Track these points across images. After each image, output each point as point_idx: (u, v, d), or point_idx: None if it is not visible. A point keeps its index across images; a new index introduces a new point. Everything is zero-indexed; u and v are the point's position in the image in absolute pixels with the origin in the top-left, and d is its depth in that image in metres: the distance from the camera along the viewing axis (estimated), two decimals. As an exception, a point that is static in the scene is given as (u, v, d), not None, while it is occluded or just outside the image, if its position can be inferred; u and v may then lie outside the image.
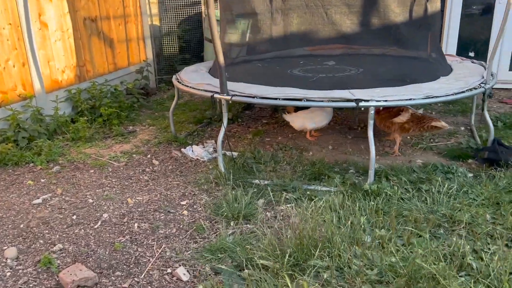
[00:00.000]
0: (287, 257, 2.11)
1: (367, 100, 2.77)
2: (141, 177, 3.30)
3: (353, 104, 2.77)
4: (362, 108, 2.88)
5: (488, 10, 5.35)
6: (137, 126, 4.55)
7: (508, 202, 2.62)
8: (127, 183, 3.20)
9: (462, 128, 4.11)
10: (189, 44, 6.58)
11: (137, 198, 2.96)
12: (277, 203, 2.79)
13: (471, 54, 5.50)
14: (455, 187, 2.76)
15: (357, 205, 2.61)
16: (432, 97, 2.84)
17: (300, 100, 2.86)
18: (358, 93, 2.88)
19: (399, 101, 2.79)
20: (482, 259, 2.10)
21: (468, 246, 2.18)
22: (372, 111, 2.80)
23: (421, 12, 3.50)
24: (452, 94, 2.91)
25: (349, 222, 2.40)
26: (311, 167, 3.27)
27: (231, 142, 3.97)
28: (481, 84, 3.09)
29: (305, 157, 3.55)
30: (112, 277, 2.16)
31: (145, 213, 2.75)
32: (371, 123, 2.82)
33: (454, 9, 5.33)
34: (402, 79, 3.26)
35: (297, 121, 3.65)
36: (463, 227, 2.42)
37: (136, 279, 2.15)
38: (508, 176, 2.90)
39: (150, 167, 3.47)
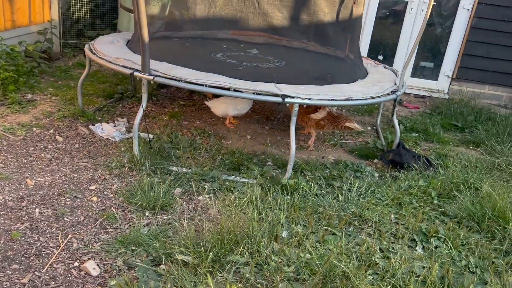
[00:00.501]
0: (207, 253, 2.06)
1: (293, 97, 2.80)
2: (42, 154, 2.97)
3: (279, 99, 2.78)
4: (287, 104, 2.90)
5: (398, 17, 5.74)
6: (38, 94, 4.08)
7: (408, 203, 2.86)
8: (25, 160, 2.86)
9: (369, 128, 4.39)
10: (100, 9, 6.05)
11: (38, 179, 2.66)
12: (196, 193, 2.72)
13: (380, 57, 5.88)
14: (364, 186, 2.93)
15: (276, 200, 2.64)
16: (352, 100, 2.97)
17: (227, 89, 2.79)
18: (284, 89, 2.89)
19: (322, 100, 2.87)
20: (387, 258, 2.27)
21: (376, 246, 2.34)
22: (296, 108, 2.83)
23: (347, 14, 3.62)
24: (369, 98, 3.06)
25: (269, 218, 2.42)
26: (231, 156, 3.24)
27: (146, 122, 3.76)
28: (394, 91, 3.30)
29: (224, 145, 3.50)
30: (8, 271, 1.92)
31: (48, 197, 2.48)
32: (294, 119, 2.86)
33: (370, 13, 5.62)
34: (324, 78, 3.35)
35: (219, 107, 3.57)
36: (370, 226, 2.59)
37: (37, 273, 1.93)
38: (409, 178, 3.17)
39: (53, 144, 3.14)
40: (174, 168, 2.94)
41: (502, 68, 5.65)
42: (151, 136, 3.37)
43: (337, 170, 3.21)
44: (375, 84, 3.39)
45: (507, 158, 3.63)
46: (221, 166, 3.10)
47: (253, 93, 2.80)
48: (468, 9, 5.51)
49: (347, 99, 2.95)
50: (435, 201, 2.94)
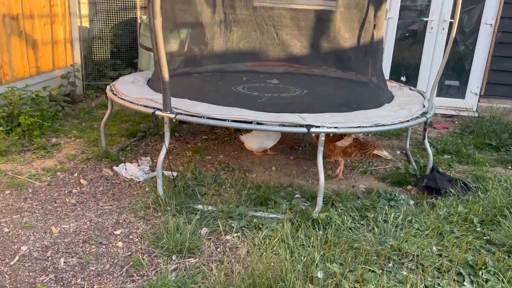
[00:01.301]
0: (239, 300, 1.93)
1: (318, 126, 2.70)
2: (67, 200, 2.93)
3: (304, 129, 2.68)
4: (313, 134, 2.80)
5: (419, 38, 5.64)
6: (62, 138, 4.11)
7: (449, 232, 2.67)
8: (50, 207, 2.82)
9: (398, 152, 4.23)
10: (120, 49, 6.17)
11: (63, 226, 2.61)
12: (223, 233, 2.61)
13: (403, 78, 5.75)
14: (400, 216, 2.77)
15: (308, 236, 2.51)
16: (380, 125, 2.84)
17: (250, 123, 2.71)
18: (308, 118, 2.80)
19: (349, 128, 2.76)
20: (434, 297, 2.09)
21: (420, 283, 2.16)
22: (322, 138, 2.73)
23: (368, 38, 3.55)
24: (399, 123, 2.93)
25: (302, 257, 2.28)
26: (257, 190, 3.13)
27: (169, 159, 3.71)
28: (423, 114, 3.16)
29: (249, 179, 3.40)
30: (33, 329, 1.83)
31: (73, 245, 2.42)
32: (321, 149, 2.75)
33: (389, 34, 5.54)
34: (349, 104, 3.25)
35: (255, 141, 3.51)
36: (411, 260, 2.41)
37: (62, 330, 1.84)
38: (448, 205, 2.98)
39: (78, 188, 3.11)
40: (200, 206, 2.85)
41: (532, 81, 5.43)
42: (175, 174, 3.30)
43: (370, 200, 3.06)
44: (402, 107, 3.26)
45: (551, 177, 3.40)
46: (247, 201, 3.00)
47: (278, 125, 2.72)
48: (491, 24, 5.37)
49: (375, 125, 2.83)
50: (478, 229, 2.74)
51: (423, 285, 2.17)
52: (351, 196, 3.10)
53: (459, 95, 5.72)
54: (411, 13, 5.68)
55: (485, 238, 2.65)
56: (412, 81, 5.74)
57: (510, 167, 3.88)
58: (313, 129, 2.69)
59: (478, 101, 5.65)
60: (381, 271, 2.27)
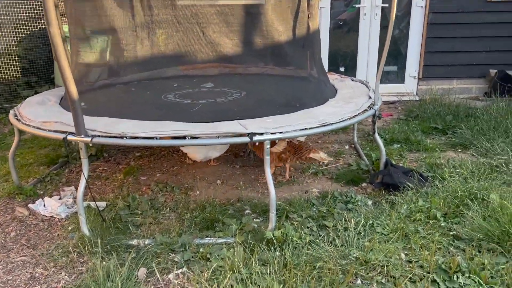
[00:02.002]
0: None
1: (262, 133, 2.37)
2: (-32, 255, 2.39)
3: (246, 139, 2.34)
4: (257, 143, 2.48)
5: (353, 25, 5.49)
6: (-34, 175, 3.48)
7: (415, 232, 2.45)
8: None
9: (347, 147, 4.02)
10: (34, 64, 5.50)
11: (-39, 292, 2.09)
12: (165, 271, 2.21)
13: (342, 69, 5.59)
14: (361, 221, 2.51)
15: (263, 260, 2.18)
16: (328, 125, 2.57)
17: (183, 138, 2.33)
18: (249, 125, 2.46)
19: (295, 131, 2.45)
20: (413, 317, 1.83)
21: (395, 300, 1.91)
22: (267, 146, 2.40)
23: (304, 29, 3.27)
24: (347, 119, 2.68)
25: (259, 291, 1.94)
26: (201, 212, 2.75)
27: (97, 186, 3.24)
28: (371, 106, 2.94)
29: (192, 198, 3.02)
30: None
31: (-27, 318, 1.92)
32: (267, 159, 2.42)
33: (323, 24, 5.34)
34: (291, 104, 2.95)
35: (199, 151, 3.12)
36: (380, 272, 2.15)
37: None
38: (407, 200, 2.77)
39: (-17, 237, 2.57)
40: (135, 241, 2.43)
41: (466, 60, 5.47)
42: (103, 204, 2.85)
43: (326, 206, 2.78)
44: (348, 101, 3.02)
45: (503, 157, 3.32)
46: (191, 226, 2.61)
47: (215, 137, 2.35)
48: (422, 6, 5.33)
49: (323, 125, 2.55)
50: (442, 224, 2.55)
51: (398, 303, 1.91)
52: (305, 204, 2.81)
53: (398, 80, 5.65)
54: (342, 1, 5.52)
55: (451, 234, 2.46)
56: (350, 71, 5.60)
57: (460, 150, 3.79)
58: (256, 137, 2.36)
59: (418, 85, 5.62)
60: (350, 292, 1.99)
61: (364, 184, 3.19)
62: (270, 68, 4.22)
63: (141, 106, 3.00)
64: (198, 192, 3.12)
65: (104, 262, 2.21)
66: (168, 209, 2.85)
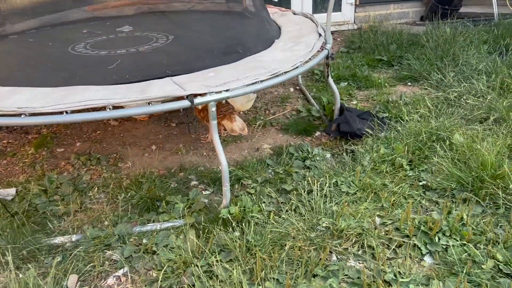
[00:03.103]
0: None
1: (204, 94, 1.91)
2: None
3: (186, 103, 1.87)
4: (200, 106, 2.02)
5: None
6: None
7: (382, 187, 2.22)
8: None
9: (292, 90, 3.65)
10: None
11: None
12: (103, 275, 1.79)
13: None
14: (326, 182, 2.22)
15: (223, 247, 1.83)
16: (280, 75, 2.15)
17: (104, 109, 1.80)
18: (187, 83, 1.98)
19: (243, 87, 2.01)
20: (404, 298, 1.61)
21: (378, 278, 1.67)
22: (213, 108, 1.95)
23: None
24: (301, 65, 2.27)
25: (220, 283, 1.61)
26: (138, 189, 2.30)
27: (1, 166, 2.63)
28: (323, 46, 2.54)
29: (124, 171, 2.53)
30: None
31: None
32: (214, 124, 1.99)
33: None
34: (233, 50, 2.48)
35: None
36: (355, 243, 1.90)
37: None
38: (368, 149, 2.52)
39: None
40: (58, 240, 1.95)
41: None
42: (11, 192, 2.29)
43: (282, 166, 2.45)
44: (297, 42, 2.59)
45: (456, 89, 3.15)
46: (127, 210, 2.17)
47: (146, 103, 1.85)
48: None
49: (275, 75, 2.13)
50: (410, 173, 2.34)
51: (381, 279, 1.68)
52: (259, 166, 2.46)
53: (335, 8, 5.25)
54: None
55: (421, 184, 2.26)
56: (284, 1, 5.09)
57: (409, 84, 3.58)
58: (198, 100, 1.89)
59: (355, 12, 5.28)
60: (326, 272, 1.72)
61: (317, 133, 2.89)
62: (198, 2, 3.64)
63: (43, 65, 2.36)
64: (130, 163, 2.63)
65: (20, 275, 1.74)
66: (96, 189, 2.36)
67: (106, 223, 2.07)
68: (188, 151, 2.74)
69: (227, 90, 1.95)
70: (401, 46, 4.18)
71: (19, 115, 1.74)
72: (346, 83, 3.63)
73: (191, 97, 1.88)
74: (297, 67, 2.23)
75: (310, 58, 2.35)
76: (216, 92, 1.93)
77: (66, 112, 1.75)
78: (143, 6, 3.62)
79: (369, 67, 3.93)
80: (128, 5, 3.64)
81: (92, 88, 1.91)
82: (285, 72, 2.16)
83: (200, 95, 1.91)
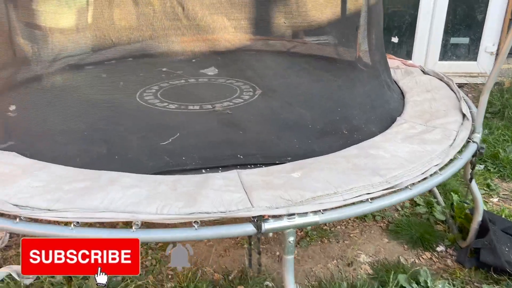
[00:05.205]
0: None
1: (281, 216, 1.23)
2: None
3: (251, 229, 1.21)
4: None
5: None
6: None
7: None
8: None
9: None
10: None
11: None
12: None
13: (394, 39, 4.25)
14: None
15: None
16: (404, 189, 1.39)
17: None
18: (257, 188, 1.31)
19: (344, 208, 1.29)
20: None
21: None
22: (291, 238, 1.27)
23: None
24: (437, 174, 1.49)
25: None
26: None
27: None
28: (471, 137, 1.72)
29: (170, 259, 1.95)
30: None
31: None
32: (290, 260, 1.30)
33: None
34: (334, 128, 1.77)
35: None
36: None
37: None
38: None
39: None
40: None
41: None
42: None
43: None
44: (430, 125, 1.79)
45: None
46: None
47: (192, 223, 1.22)
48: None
49: (395, 189, 1.38)
50: None
51: None
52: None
53: (469, 56, 4.27)
54: None
55: None
56: (407, 42, 4.26)
57: None
58: (270, 225, 1.22)
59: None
60: None
61: (440, 248, 2.04)
62: (302, 43, 3.01)
63: (90, 120, 1.86)
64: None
65: None
66: (130, 290, 1.79)
67: None
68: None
69: (316, 212, 1.25)
70: None
71: (14, 217, 1.21)
72: (482, 167, 2.70)
73: (259, 220, 1.21)
74: (432, 177, 1.45)
75: (452, 160, 1.55)
76: (299, 214, 1.24)
77: (75, 224, 1.19)
78: (229, 42, 3.09)
79: (516, 145, 2.94)
80: (214, 41, 3.12)
81: (123, 181, 1.34)
82: (412, 185, 1.40)
83: (275, 216, 1.23)
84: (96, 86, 2.35)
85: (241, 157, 1.57)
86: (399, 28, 4.24)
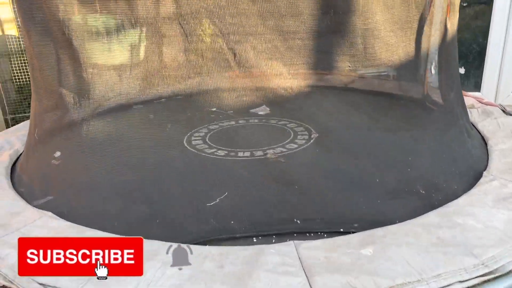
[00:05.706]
0: None
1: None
2: None
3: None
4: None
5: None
6: None
7: None
8: None
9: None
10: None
11: None
12: None
13: (461, 70, 3.90)
14: None
15: None
16: (506, 274, 1.11)
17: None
18: (316, 265, 1.09)
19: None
20: None
21: None
22: None
23: (439, 31, 1.76)
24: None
25: None
26: None
27: None
28: None
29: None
30: None
31: None
32: None
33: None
34: (407, 187, 1.50)
35: None
36: None
37: None
38: None
39: None
40: None
41: None
42: None
43: None
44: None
45: None
46: None
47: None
48: None
49: (495, 275, 1.09)
50: None
51: None
52: None
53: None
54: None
55: None
56: (475, 73, 3.89)
57: None
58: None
59: None
60: None
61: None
62: (360, 77, 2.78)
63: (131, 172, 1.72)
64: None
65: None
66: None
67: None
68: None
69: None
70: None
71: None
72: None
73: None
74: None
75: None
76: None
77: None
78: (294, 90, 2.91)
79: None
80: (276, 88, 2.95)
81: (163, 256, 1.15)
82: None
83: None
84: (143, 130, 2.24)
85: (298, 222, 1.35)
86: (466, 58, 3.89)
